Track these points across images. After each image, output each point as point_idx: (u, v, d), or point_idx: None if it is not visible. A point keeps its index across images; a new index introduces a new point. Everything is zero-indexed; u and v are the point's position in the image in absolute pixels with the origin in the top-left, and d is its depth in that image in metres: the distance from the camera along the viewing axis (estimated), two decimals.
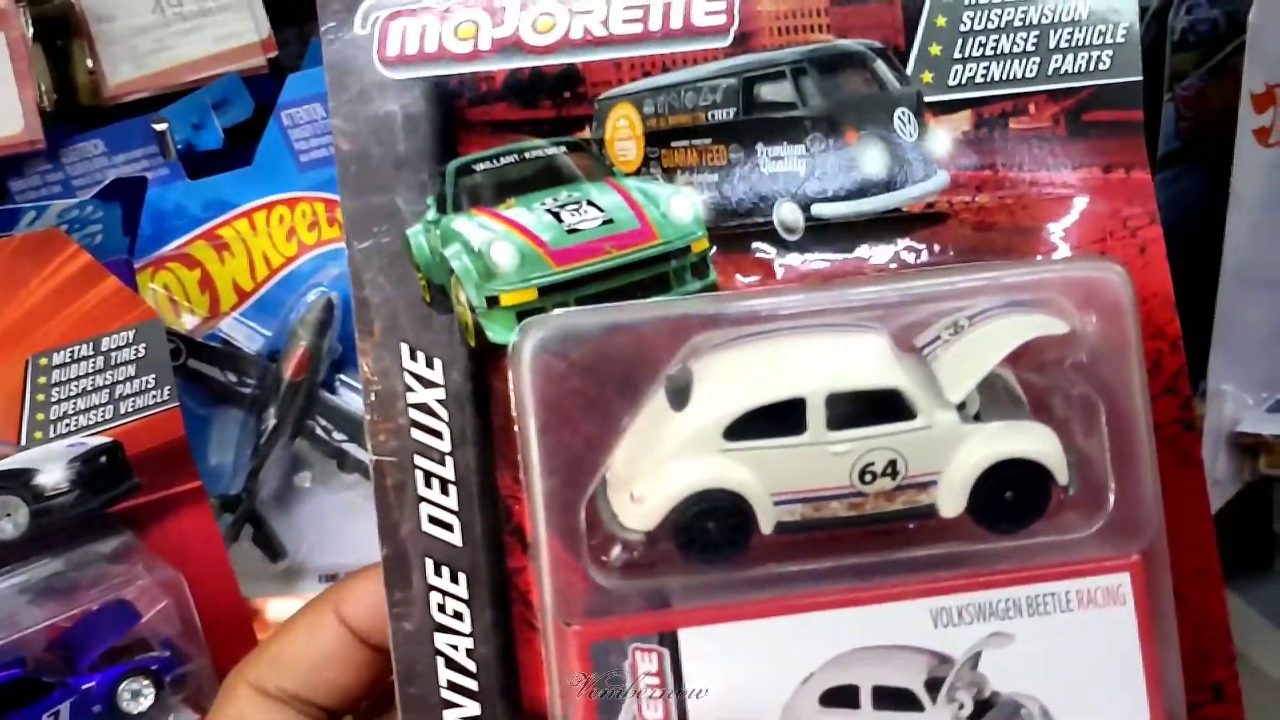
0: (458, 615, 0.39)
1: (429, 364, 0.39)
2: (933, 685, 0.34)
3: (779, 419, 0.34)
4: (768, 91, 0.41)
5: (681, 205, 0.40)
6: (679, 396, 0.35)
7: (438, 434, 0.39)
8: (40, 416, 0.55)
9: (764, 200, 0.41)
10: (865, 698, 0.33)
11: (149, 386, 0.57)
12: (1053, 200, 0.41)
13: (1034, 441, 0.34)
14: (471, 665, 0.39)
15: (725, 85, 0.41)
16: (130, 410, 0.57)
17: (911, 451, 0.34)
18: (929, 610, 0.34)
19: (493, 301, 0.39)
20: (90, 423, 0.56)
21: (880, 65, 0.41)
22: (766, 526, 0.34)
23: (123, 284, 0.57)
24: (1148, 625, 0.34)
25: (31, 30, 0.66)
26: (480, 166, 0.40)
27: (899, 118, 0.41)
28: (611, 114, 0.41)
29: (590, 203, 0.40)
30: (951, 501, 0.35)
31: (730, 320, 0.35)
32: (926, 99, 0.41)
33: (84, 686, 0.54)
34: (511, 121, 0.40)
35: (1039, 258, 0.37)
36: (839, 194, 0.41)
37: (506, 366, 0.39)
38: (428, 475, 0.39)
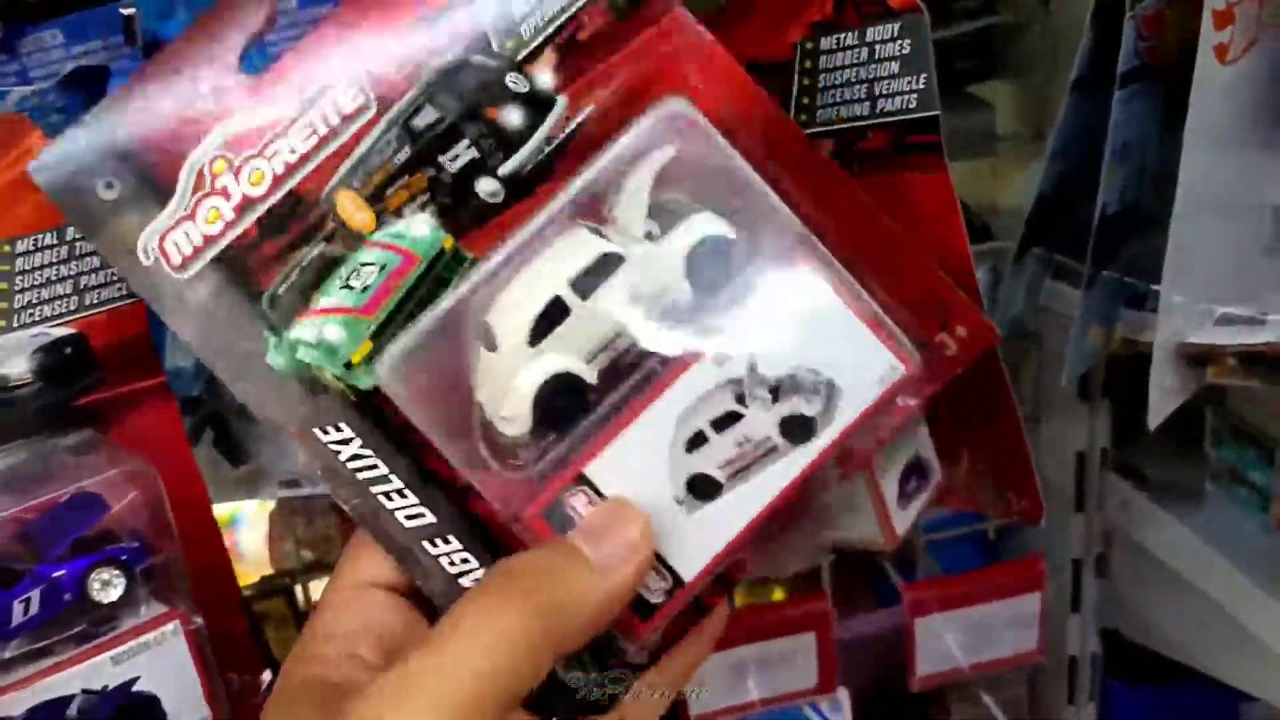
0: (465, 560, 0.54)
1: (338, 429, 0.54)
2: (740, 399, 0.50)
3: (553, 314, 0.50)
4: (419, 121, 0.56)
5: (419, 226, 0.55)
6: (490, 341, 0.50)
7: (374, 466, 0.54)
8: (3, 305, 0.54)
9: (467, 188, 0.56)
10: (709, 431, 0.50)
11: (114, 279, 0.57)
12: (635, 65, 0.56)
13: (700, 225, 0.51)
14: None
15: (393, 136, 0.56)
16: (95, 302, 0.57)
17: (636, 280, 0.50)
18: (711, 359, 0.50)
19: (348, 366, 0.54)
20: (55, 313, 0.56)
21: (476, 57, 0.56)
22: (591, 379, 0.50)
23: None
24: (832, 282, 0.50)
25: None
26: (281, 290, 0.55)
27: (511, 80, 0.56)
28: (337, 202, 0.55)
29: (364, 264, 0.55)
30: (682, 293, 0.51)
31: (487, 279, 0.50)
32: (519, 57, 0.56)
33: (54, 575, 0.54)
34: (280, 250, 0.55)
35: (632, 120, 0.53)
36: (508, 153, 0.56)
37: (385, 398, 0.54)
38: (387, 494, 0.55)
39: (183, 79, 0.53)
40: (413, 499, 0.54)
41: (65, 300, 0.57)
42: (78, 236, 0.57)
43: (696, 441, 0.49)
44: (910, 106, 0.57)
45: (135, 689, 0.56)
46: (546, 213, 0.50)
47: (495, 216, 0.56)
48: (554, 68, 0.56)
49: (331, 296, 0.55)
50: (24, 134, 0.55)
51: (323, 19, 0.56)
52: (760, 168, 0.53)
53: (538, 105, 0.56)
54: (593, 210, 0.52)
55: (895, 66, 0.58)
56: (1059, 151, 0.74)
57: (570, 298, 0.50)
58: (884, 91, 0.57)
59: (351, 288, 0.55)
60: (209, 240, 0.54)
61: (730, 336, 0.50)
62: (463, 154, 0.56)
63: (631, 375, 0.50)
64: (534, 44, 0.56)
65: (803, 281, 0.50)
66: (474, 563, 0.54)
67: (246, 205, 0.54)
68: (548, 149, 0.56)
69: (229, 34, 0.54)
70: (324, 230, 0.55)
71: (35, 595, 0.53)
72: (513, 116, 0.56)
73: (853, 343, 0.50)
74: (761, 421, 0.50)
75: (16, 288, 0.55)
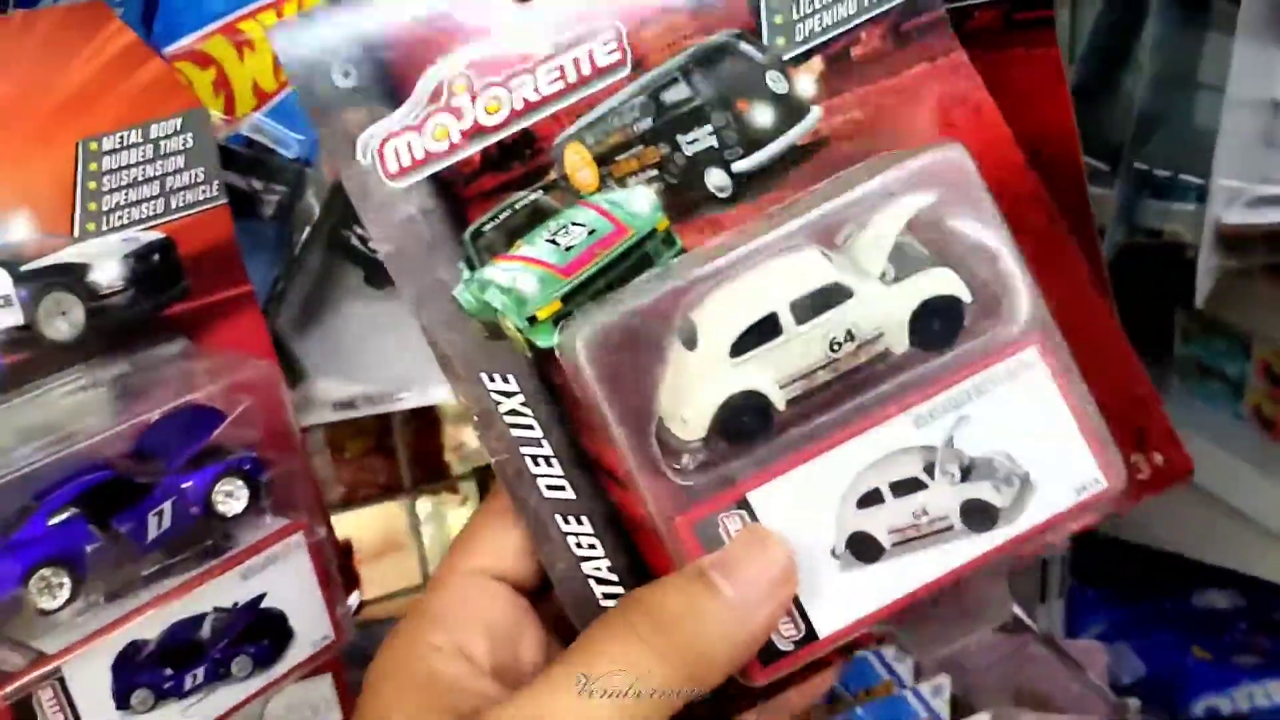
0: (592, 546, 0.53)
1: (505, 380, 0.53)
2: (929, 469, 0.47)
3: (763, 330, 0.47)
4: (669, 95, 0.54)
5: (639, 200, 0.53)
6: (690, 339, 0.48)
7: (530, 427, 0.53)
8: (92, 206, 0.52)
9: (697, 175, 0.54)
10: (887, 493, 0.47)
11: (198, 181, 0.54)
12: (901, 97, 0.54)
13: (938, 282, 0.48)
14: (614, 577, 0.52)
15: (638, 102, 0.54)
16: (180, 205, 0.54)
17: (858, 318, 0.47)
18: (910, 419, 0.47)
19: (533, 320, 0.52)
20: (142, 216, 0.53)
21: (744, 45, 0.54)
22: (780, 405, 0.48)
23: (167, 68, 0.53)
24: (1060, 376, 0.47)
25: None
26: (487, 227, 0.53)
27: (770, 79, 0.54)
28: (565, 154, 0.54)
29: (574, 223, 0.53)
30: (898, 342, 0.48)
31: (707, 277, 0.48)
32: (785, 57, 0.54)
33: (182, 486, 0.52)
34: (497, 187, 0.53)
35: (901, 155, 0.50)
36: (748, 151, 0.54)
37: (559, 363, 0.52)
38: (534, 458, 0.53)
39: None
40: (558, 470, 0.52)
41: (152, 203, 0.54)
42: (162, 135, 0.53)
43: (871, 499, 0.47)
44: None
45: (263, 605, 0.55)
46: (787, 225, 0.48)
47: (714, 211, 0.54)
48: (818, 77, 0.54)
49: (535, 247, 0.53)
50: (103, 22, 0.52)
51: None
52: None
53: (791, 110, 0.54)
54: (829, 232, 0.49)
55: None
56: (1087, 53, 0.78)
57: (786, 318, 0.47)
58: None
59: (556, 244, 0.53)
60: (430, 157, 0.52)
61: (936, 402, 0.47)
62: (702, 139, 0.54)
63: (822, 412, 0.48)
64: (804, 47, 0.54)
65: (1028, 367, 0.47)
66: (600, 550, 0.52)
67: (476, 132, 0.53)
68: (788, 157, 0.54)
69: None
70: (544, 179, 0.53)
71: (167, 508, 0.51)
72: (763, 115, 0.54)
73: (1063, 444, 0.47)
74: (944, 498, 0.47)
75: (104, 188, 0.52)
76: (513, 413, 0.53)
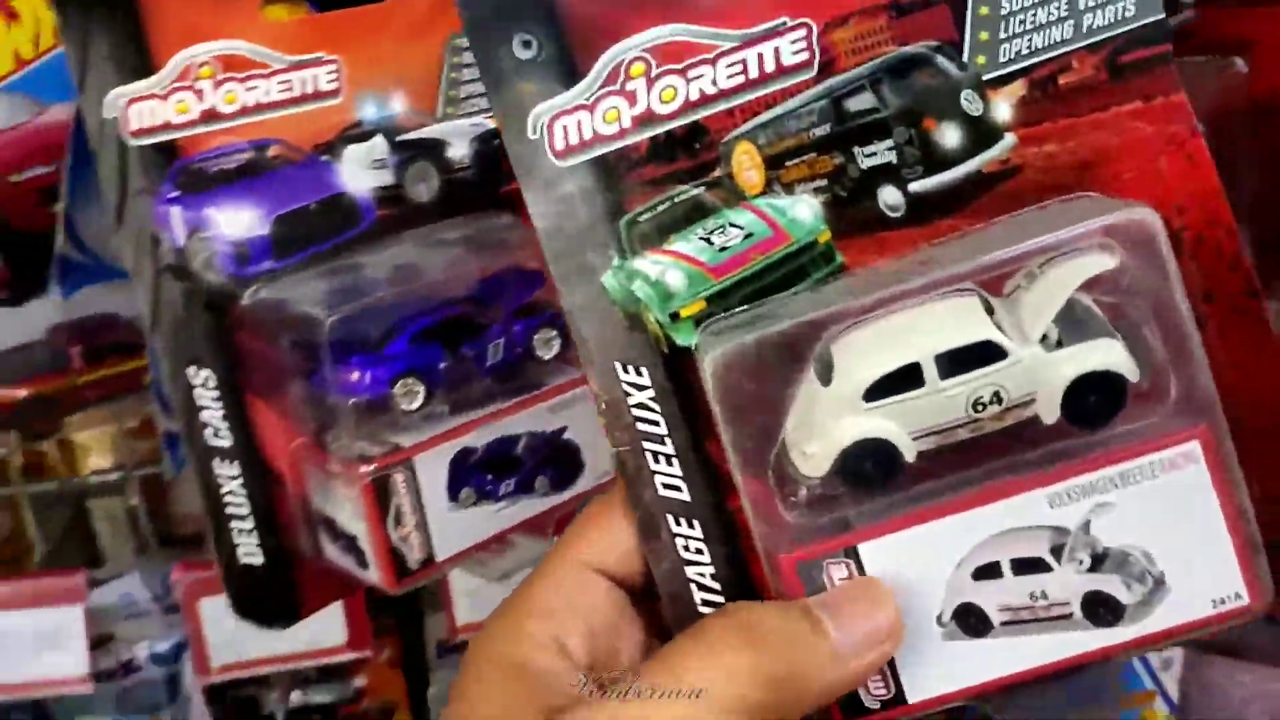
0: (699, 551, 0.52)
1: (638, 372, 0.52)
2: (1056, 551, 0.44)
3: (902, 379, 0.45)
4: (853, 103, 0.51)
5: (803, 209, 0.51)
6: (825, 374, 0.46)
7: (655, 423, 0.52)
8: (453, 94, 0.63)
9: (869, 190, 0.51)
10: (1006, 569, 0.45)
11: None
12: (1107, 135, 0.50)
13: (1103, 355, 0.44)
14: (717, 586, 0.52)
15: (819, 107, 0.51)
16: None
17: (1009, 381, 0.44)
18: (1045, 496, 0.44)
19: (675, 316, 0.51)
20: (486, 106, 0.64)
21: (941, 60, 0.50)
22: (910, 457, 0.46)
23: None
24: (1220, 477, 0.43)
25: None
26: (644, 218, 0.52)
27: (965, 98, 0.50)
28: (734, 152, 0.52)
29: (732, 224, 0.51)
30: (1049, 412, 0.45)
31: (854, 312, 0.46)
32: (985, 77, 0.50)
33: (514, 329, 0.64)
34: (659, 177, 0.52)
35: (1087, 207, 0.46)
36: (928, 171, 0.51)
37: (695, 363, 0.51)
38: (655, 454, 0.52)
39: None
40: (677, 470, 0.52)
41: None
42: None
43: (988, 572, 0.45)
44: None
45: (564, 437, 0.66)
46: (951, 268, 0.45)
47: (882, 231, 0.51)
48: (1017, 102, 0.50)
49: (688, 243, 0.51)
50: None
51: None
52: (1190, 302, 0.46)
53: (982, 134, 0.50)
54: (997, 278, 0.46)
55: None
56: None
57: (929, 370, 0.45)
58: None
59: (711, 243, 0.51)
60: (598, 139, 0.51)
61: (1078, 482, 0.44)
62: (880, 154, 0.51)
63: (954, 473, 0.46)
64: (1008, 69, 0.50)
65: (1187, 462, 0.43)
66: (706, 557, 0.52)
67: (647, 119, 0.51)
68: (972, 183, 0.50)
69: None
70: (708, 175, 0.52)
71: (501, 343, 0.63)
72: (950, 136, 0.50)
73: (1208, 550, 0.43)
74: (1067, 584, 0.44)
75: (463, 79, 0.62)
76: (641, 406, 0.52)
